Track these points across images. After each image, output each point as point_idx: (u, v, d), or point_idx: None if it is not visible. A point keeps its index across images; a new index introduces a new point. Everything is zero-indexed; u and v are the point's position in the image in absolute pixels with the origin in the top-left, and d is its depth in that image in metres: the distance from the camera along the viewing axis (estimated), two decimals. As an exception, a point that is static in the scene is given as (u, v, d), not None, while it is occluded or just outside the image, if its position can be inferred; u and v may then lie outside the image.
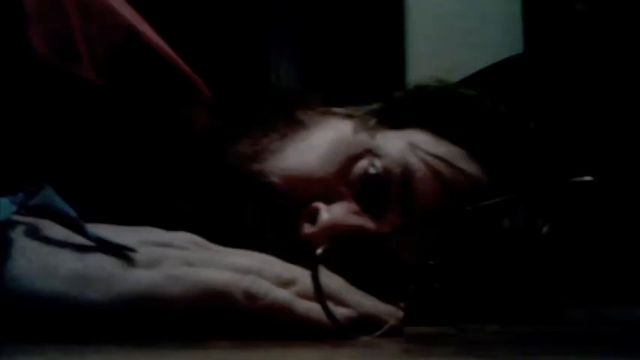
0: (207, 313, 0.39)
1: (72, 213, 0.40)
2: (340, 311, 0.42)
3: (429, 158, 0.59)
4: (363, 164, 0.59)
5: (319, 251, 0.41)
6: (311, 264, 0.41)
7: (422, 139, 0.61)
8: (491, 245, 0.57)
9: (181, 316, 0.39)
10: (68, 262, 0.38)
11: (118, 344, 0.35)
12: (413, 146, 0.60)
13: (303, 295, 0.41)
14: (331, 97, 0.68)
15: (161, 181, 0.58)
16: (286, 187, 0.58)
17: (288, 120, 0.63)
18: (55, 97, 0.54)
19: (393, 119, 0.63)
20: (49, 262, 0.38)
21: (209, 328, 0.39)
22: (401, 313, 0.45)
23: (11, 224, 0.39)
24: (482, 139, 0.61)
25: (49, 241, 0.39)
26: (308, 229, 0.57)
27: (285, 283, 0.42)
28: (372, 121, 0.63)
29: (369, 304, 0.44)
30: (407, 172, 0.58)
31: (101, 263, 0.39)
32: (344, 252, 0.50)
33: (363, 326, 0.42)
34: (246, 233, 0.56)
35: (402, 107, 0.65)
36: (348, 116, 0.65)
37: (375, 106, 0.66)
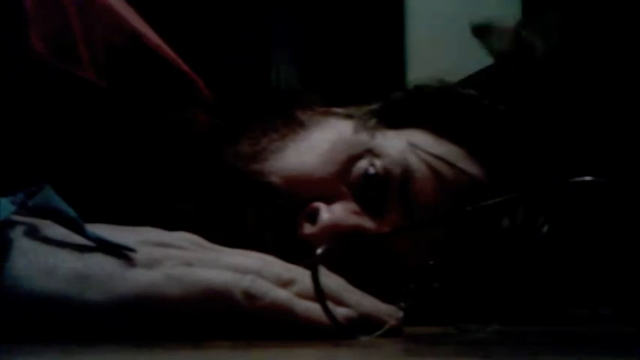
0: (207, 313, 0.39)
1: (72, 213, 0.39)
2: (340, 311, 0.42)
3: (428, 158, 0.59)
4: (362, 164, 0.59)
5: (319, 251, 0.41)
6: (311, 264, 0.41)
7: (421, 139, 0.61)
8: (491, 245, 0.57)
9: (181, 316, 0.39)
10: (68, 262, 0.38)
11: (118, 344, 0.35)
12: (413, 146, 0.60)
13: (303, 295, 0.41)
14: (331, 97, 0.68)
15: (161, 181, 0.58)
16: (286, 187, 0.58)
17: (288, 120, 0.63)
18: (55, 98, 0.54)
19: (392, 119, 0.63)
20: (49, 262, 0.38)
21: (209, 328, 0.39)
22: (401, 313, 0.45)
23: (11, 224, 0.39)
24: (481, 139, 0.61)
25: (49, 241, 0.39)
26: (308, 229, 0.57)
27: (285, 283, 0.42)
28: (372, 121, 0.63)
29: (369, 304, 0.44)
30: (407, 172, 0.58)
31: (101, 263, 0.39)
32: (344, 252, 0.50)
33: (363, 326, 0.42)
34: (246, 233, 0.56)
35: (401, 107, 0.65)
36: (348, 116, 0.65)
37: (375, 106, 0.66)
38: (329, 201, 0.58)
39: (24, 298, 0.37)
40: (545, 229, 0.56)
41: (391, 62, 1.59)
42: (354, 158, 0.59)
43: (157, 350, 0.33)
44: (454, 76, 0.70)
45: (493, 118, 0.63)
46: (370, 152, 0.59)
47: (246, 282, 0.40)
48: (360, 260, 0.53)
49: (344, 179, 0.59)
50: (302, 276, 0.42)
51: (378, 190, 0.58)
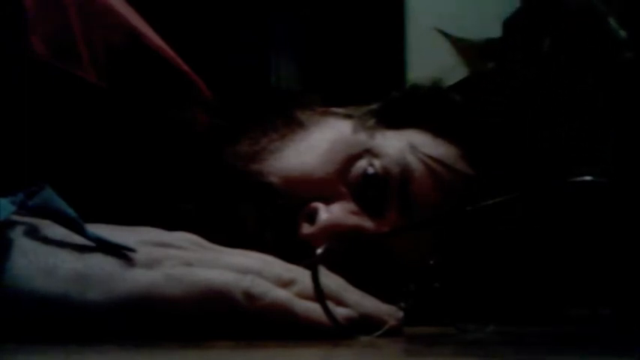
0: (207, 313, 0.39)
1: (72, 213, 0.40)
2: (340, 311, 0.42)
3: (427, 159, 0.59)
4: (362, 164, 0.59)
5: (319, 251, 0.41)
6: (311, 264, 0.41)
7: (420, 139, 0.61)
8: (490, 245, 0.57)
9: (181, 316, 0.39)
10: (68, 262, 0.38)
11: (118, 344, 0.35)
12: (412, 146, 0.60)
13: (303, 295, 0.41)
14: (331, 97, 0.68)
15: (161, 181, 0.58)
16: (285, 187, 0.58)
17: (287, 120, 0.63)
18: (56, 98, 0.54)
19: (391, 119, 0.63)
20: (49, 262, 0.38)
21: (209, 328, 0.39)
22: (401, 313, 0.45)
23: (11, 224, 0.39)
24: (478, 139, 0.61)
25: (49, 241, 0.39)
26: (307, 229, 0.57)
27: (286, 283, 0.42)
28: (371, 121, 0.63)
29: (369, 304, 0.44)
30: (406, 172, 0.58)
31: (101, 263, 0.39)
32: (344, 252, 0.50)
33: (363, 326, 0.42)
34: (246, 233, 0.56)
35: (399, 107, 0.65)
36: (347, 116, 0.65)
37: (374, 106, 0.66)
38: (328, 201, 0.58)
39: (24, 298, 0.37)
40: (544, 227, 0.56)
41: (391, 62, 1.59)
42: (353, 158, 0.59)
43: (157, 350, 0.33)
44: (454, 76, 0.70)
45: (488, 118, 0.63)
46: (369, 152, 0.59)
47: (247, 282, 0.40)
48: (360, 260, 0.53)
49: (343, 179, 0.59)
50: (302, 276, 0.42)
51: (377, 189, 0.58)
